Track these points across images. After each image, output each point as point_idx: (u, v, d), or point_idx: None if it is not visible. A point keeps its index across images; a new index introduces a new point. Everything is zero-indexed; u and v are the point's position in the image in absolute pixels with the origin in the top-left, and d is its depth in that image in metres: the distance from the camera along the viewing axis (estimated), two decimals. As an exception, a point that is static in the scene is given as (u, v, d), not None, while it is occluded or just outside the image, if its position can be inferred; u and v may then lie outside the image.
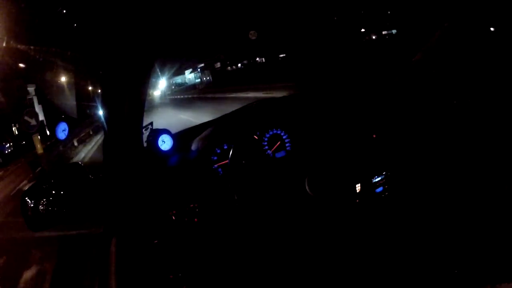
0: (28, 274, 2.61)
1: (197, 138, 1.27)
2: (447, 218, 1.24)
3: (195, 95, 18.43)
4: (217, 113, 1.40)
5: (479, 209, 1.24)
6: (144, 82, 0.98)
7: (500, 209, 1.23)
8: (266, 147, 1.26)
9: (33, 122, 5.38)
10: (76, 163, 1.04)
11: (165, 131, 1.17)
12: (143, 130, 1.08)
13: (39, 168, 6.36)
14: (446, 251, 1.17)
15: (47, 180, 0.96)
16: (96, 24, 0.96)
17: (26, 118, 5.33)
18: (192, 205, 1.10)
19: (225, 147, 1.23)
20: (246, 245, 1.14)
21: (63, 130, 1.15)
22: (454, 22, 1.39)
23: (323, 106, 1.35)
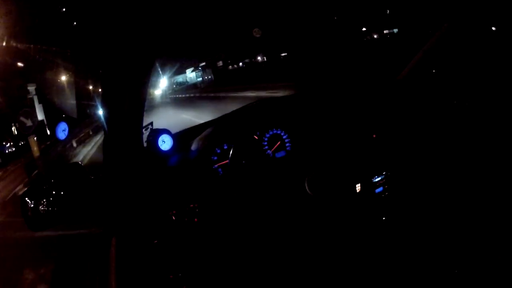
0: (28, 274, 2.61)
1: (197, 138, 1.27)
2: (447, 218, 1.24)
3: (197, 94, 18.31)
4: (219, 113, 1.40)
5: (479, 209, 1.24)
6: (145, 81, 0.98)
7: (500, 209, 1.23)
8: (266, 147, 1.26)
9: (28, 123, 5.12)
10: (76, 163, 1.04)
11: (165, 131, 1.17)
12: (143, 130, 1.08)
13: (35, 172, 6.05)
14: (446, 251, 1.17)
15: (47, 180, 0.96)
16: (96, 23, 0.96)
17: (21, 118, 5.07)
18: (192, 205, 1.10)
19: (225, 147, 1.23)
20: (246, 245, 1.14)
21: (63, 130, 1.15)
22: (454, 22, 1.39)
23: (323, 106, 1.35)
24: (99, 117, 0.98)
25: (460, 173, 1.30)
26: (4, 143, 9.22)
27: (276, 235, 1.15)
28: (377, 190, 1.25)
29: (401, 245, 1.20)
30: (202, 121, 1.41)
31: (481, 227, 1.20)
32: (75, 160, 7.22)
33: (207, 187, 1.17)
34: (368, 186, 1.23)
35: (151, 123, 1.21)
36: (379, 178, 1.25)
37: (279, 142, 1.27)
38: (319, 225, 1.18)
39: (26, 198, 0.91)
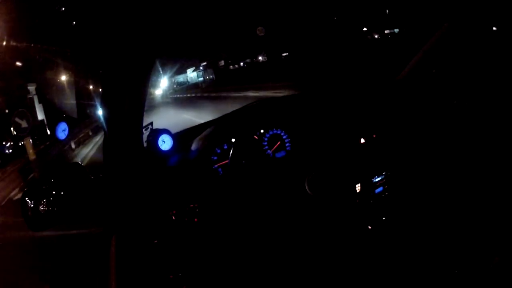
0: (28, 274, 2.61)
1: (197, 138, 1.27)
2: (447, 218, 1.24)
3: (198, 94, 18.22)
4: (221, 113, 1.39)
5: (479, 209, 1.24)
6: (145, 81, 0.98)
7: (500, 209, 1.23)
8: (266, 147, 1.26)
9: (24, 124, 4.86)
10: (76, 163, 1.04)
11: (165, 131, 1.17)
12: (143, 130, 1.08)
13: (31, 176, 5.77)
14: (446, 251, 1.17)
15: (47, 180, 0.96)
16: (95, 22, 0.96)
17: (16, 119, 4.81)
18: (192, 205, 1.10)
19: (225, 147, 1.23)
20: (246, 245, 1.14)
21: (63, 130, 1.15)
22: (454, 22, 1.39)
23: (323, 106, 1.35)
24: (98, 117, 0.98)
25: (460, 173, 1.30)
26: (3, 143, 9.18)
27: (276, 235, 1.15)
28: (377, 190, 1.25)
29: (401, 245, 1.20)
30: (203, 121, 1.41)
31: (481, 227, 1.20)
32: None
33: (207, 187, 1.17)
34: (368, 186, 1.23)
35: (151, 123, 1.21)
36: (379, 178, 1.25)
37: (279, 142, 1.27)
38: (319, 225, 1.18)
39: (26, 198, 0.91)
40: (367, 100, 1.40)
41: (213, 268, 1.10)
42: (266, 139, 1.26)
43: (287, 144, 1.27)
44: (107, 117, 0.94)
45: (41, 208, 0.91)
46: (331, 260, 1.15)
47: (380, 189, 1.25)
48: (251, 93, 11.27)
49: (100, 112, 0.95)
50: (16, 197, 5.49)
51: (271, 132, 1.27)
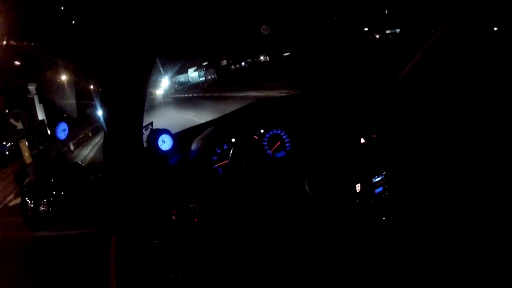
0: (28, 274, 2.61)
1: (197, 138, 1.27)
2: (447, 218, 1.24)
3: (200, 94, 18.12)
4: (222, 113, 1.39)
5: (479, 209, 1.24)
6: (145, 81, 0.98)
7: (500, 209, 1.23)
8: (266, 147, 1.26)
9: (19, 125, 4.63)
10: (76, 163, 1.04)
11: (165, 131, 1.17)
12: (143, 130, 1.08)
13: (26, 180, 5.49)
14: (446, 251, 1.17)
15: (47, 180, 0.96)
16: (95, 22, 0.95)
17: (11, 121, 4.57)
18: (192, 205, 1.10)
19: (225, 147, 1.23)
20: (246, 245, 1.14)
21: (63, 130, 1.15)
22: (454, 22, 1.39)
23: (323, 106, 1.35)
24: (98, 118, 0.98)
25: (460, 173, 1.30)
26: (4, 143, 9.16)
27: (276, 235, 1.15)
28: (377, 190, 1.25)
29: (401, 245, 1.20)
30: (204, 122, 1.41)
31: (481, 227, 1.20)
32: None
33: (207, 187, 1.17)
34: (368, 186, 1.23)
35: (151, 123, 1.21)
36: (379, 178, 1.25)
37: (279, 142, 1.27)
38: (319, 225, 1.18)
39: (26, 198, 0.91)
40: (367, 100, 1.40)
41: (213, 268, 1.10)
42: (266, 139, 1.26)
43: (287, 144, 1.27)
44: (106, 117, 0.94)
45: (41, 208, 0.91)
46: (331, 260, 1.15)
47: (380, 189, 1.25)
48: (255, 93, 11.24)
49: (99, 112, 0.95)
50: (11, 204, 5.33)
51: (271, 132, 1.27)
